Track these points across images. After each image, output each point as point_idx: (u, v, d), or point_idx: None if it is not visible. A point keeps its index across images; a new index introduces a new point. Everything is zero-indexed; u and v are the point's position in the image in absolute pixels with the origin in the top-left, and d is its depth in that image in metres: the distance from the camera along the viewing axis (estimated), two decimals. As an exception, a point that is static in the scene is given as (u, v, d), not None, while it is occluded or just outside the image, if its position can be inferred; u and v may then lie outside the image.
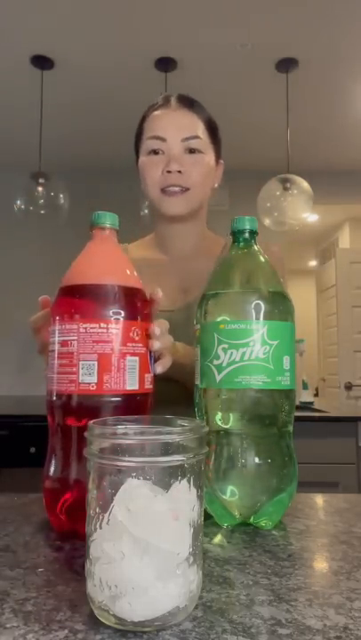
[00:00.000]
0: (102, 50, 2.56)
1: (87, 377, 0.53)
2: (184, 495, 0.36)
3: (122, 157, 3.39)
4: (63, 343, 0.54)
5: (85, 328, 0.54)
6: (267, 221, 2.81)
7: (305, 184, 2.74)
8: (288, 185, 2.74)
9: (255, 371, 0.56)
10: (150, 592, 0.34)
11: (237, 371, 0.56)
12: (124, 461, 0.35)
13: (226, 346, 0.57)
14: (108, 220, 0.61)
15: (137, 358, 0.56)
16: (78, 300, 0.56)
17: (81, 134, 3.39)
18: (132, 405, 0.55)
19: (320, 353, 5.37)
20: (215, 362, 0.57)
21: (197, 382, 0.61)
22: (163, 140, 0.94)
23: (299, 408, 2.66)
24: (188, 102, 0.99)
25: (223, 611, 0.37)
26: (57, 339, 0.55)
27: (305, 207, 2.76)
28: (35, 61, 2.63)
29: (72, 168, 3.40)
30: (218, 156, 1.02)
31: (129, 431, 0.40)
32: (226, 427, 0.58)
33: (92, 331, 0.53)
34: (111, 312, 0.55)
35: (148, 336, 0.59)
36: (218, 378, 0.57)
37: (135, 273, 0.61)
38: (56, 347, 0.55)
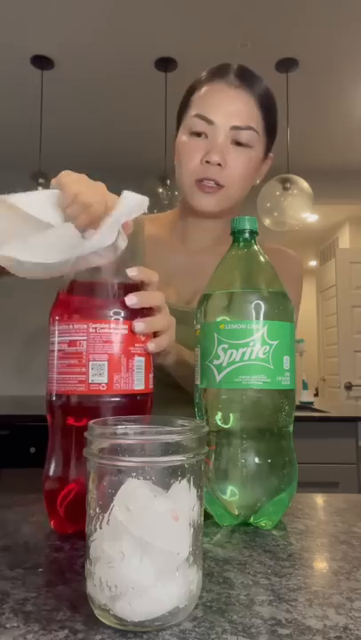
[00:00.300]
0: (102, 50, 2.56)
1: (98, 377, 0.53)
2: (184, 495, 0.36)
3: (122, 157, 3.40)
4: (70, 343, 0.54)
5: (95, 328, 0.53)
6: (267, 221, 2.81)
7: (305, 184, 2.74)
8: (288, 185, 2.74)
9: (255, 371, 0.56)
10: (150, 592, 0.34)
11: (237, 371, 0.56)
12: (124, 461, 0.35)
13: (226, 346, 0.57)
14: None
15: (143, 359, 0.56)
16: (85, 298, 0.56)
17: (81, 134, 3.39)
18: (137, 405, 0.55)
19: (320, 353, 5.37)
20: (215, 362, 0.58)
21: (197, 382, 0.61)
22: (210, 122, 0.82)
23: (299, 408, 2.66)
24: (249, 80, 0.85)
25: (223, 611, 0.37)
26: (62, 338, 0.55)
27: (305, 207, 2.76)
28: (35, 61, 2.64)
29: (72, 168, 3.40)
30: (268, 149, 0.91)
31: (129, 431, 0.40)
32: (226, 427, 0.58)
33: (102, 331, 0.53)
34: (112, 312, 0.54)
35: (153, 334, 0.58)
36: (218, 378, 0.57)
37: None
38: (61, 347, 0.55)
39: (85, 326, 0.53)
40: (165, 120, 2.58)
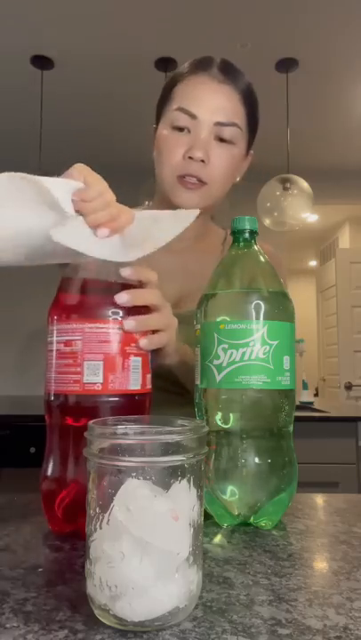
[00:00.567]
0: (102, 50, 2.56)
1: (93, 377, 0.53)
2: (184, 495, 0.36)
3: (122, 157, 3.40)
4: (66, 343, 0.54)
5: (90, 328, 0.53)
6: (267, 221, 2.81)
7: (305, 184, 2.75)
8: (288, 185, 2.74)
9: (255, 371, 0.56)
10: (150, 592, 0.34)
11: (237, 371, 0.56)
12: (124, 461, 0.35)
13: (226, 346, 0.57)
14: None
15: (140, 359, 0.56)
16: (81, 297, 0.56)
17: (81, 134, 3.39)
18: (133, 405, 0.55)
19: (320, 353, 5.37)
20: (215, 362, 0.57)
21: (197, 382, 0.61)
22: (193, 117, 0.80)
23: (299, 408, 2.66)
24: (232, 75, 0.82)
25: (223, 611, 0.37)
26: (59, 338, 0.55)
27: (305, 207, 2.76)
28: (35, 61, 2.64)
29: (72, 165, 3.40)
30: (249, 146, 0.89)
31: (129, 431, 0.40)
32: (226, 427, 0.58)
33: (97, 330, 0.53)
34: (107, 311, 0.54)
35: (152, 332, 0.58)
36: (218, 378, 0.57)
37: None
38: (58, 346, 0.55)
39: (80, 326, 0.53)
40: (165, 120, 2.58)
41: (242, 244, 0.63)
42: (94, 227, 0.55)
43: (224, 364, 0.57)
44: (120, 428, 0.40)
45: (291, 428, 0.61)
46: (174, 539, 0.35)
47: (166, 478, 0.35)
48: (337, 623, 0.36)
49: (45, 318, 0.57)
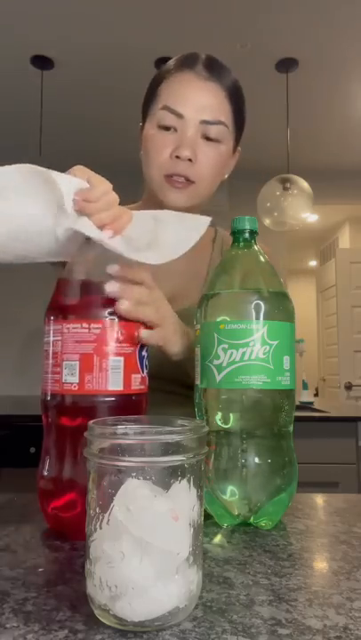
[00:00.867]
0: (102, 50, 2.56)
1: (70, 377, 0.54)
2: (184, 495, 0.36)
3: (122, 157, 3.39)
4: (54, 343, 0.55)
5: (68, 328, 0.54)
6: (267, 221, 2.81)
7: (305, 184, 2.75)
8: (288, 185, 2.74)
9: (255, 371, 0.56)
10: (150, 592, 0.34)
11: (237, 371, 0.56)
12: (124, 461, 0.35)
13: (226, 346, 0.57)
14: None
15: (122, 359, 0.54)
16: (66, 297, 0.57)
17: (81, 134, 3.39)
18: (116, 406, 0.54)
19: (320, 353, 5.37)
20: (215, 362, 0.57)
21: (197, 382, 0.61)
22: (179, 116, 0.79)
23: (299, 408, 2.66)
24: (217, 71, 0.82)
25: (223, 611, 0.37)
26: (47, 338, 0.56)
27: (305, 207, 2.76)
28: (35, 61, 2.64)
29: (72, 167, 3.40)
30: (237, 143, 0.88)
31: (129, 431, 0.40)
32: (226, 427, 0.58)
33: (74, 331, 0.54)
34: (95, 311, 0.55)
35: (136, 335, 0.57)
36: (218, 378, 0.57)
37: None
38: (47, 346, 0.56)
39: (60, 327, 0.54)
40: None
41: (242, 243, 0.63)
42: (98, 227, 0.55)
43: (224, 364, 0.57)
44: (120, 428, 0.40)
45: (291, 428, 0.61)
46: (174, 539, 0.35)
47: (166, 478, 0.35)
48: (337, 623, 0.36)
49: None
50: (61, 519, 0.53)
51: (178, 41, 2.48)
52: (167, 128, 0.81)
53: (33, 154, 2.93)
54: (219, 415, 0.59)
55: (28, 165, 0.54)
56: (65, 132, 3.28)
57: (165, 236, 0.60)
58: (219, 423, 0.59)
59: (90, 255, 0.57)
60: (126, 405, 0.55)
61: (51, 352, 0.55)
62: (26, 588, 0.41)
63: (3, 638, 0.33)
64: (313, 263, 6.44)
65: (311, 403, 2.92)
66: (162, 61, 2.61)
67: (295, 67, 2.66)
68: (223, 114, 0.82)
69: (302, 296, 5.62)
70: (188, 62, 0.83)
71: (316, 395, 4.88)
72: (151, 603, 0.34)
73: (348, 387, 4.44)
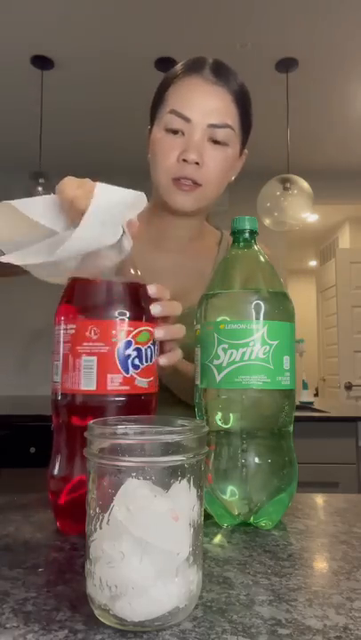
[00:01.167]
0: (102, 50, 2.56)
1: (55, 376, 0.56)
2: (184, 495, 0.36)
3: (122, 157, 3.39)
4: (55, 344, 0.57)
5: (56, 329, 0.56)
6: (267, 221, 2.81)
7: (305, 184, 2.74)
8: (288, 185, 2.74)
9: (255, 371, 0.56)
10: (150, 592, 0.34)
11: (237, 371, 0.56)
12: (124, 461, 0.35)
13: (226, 346, 0.57)
14: None
15: (94, 358, 0.54)
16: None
17: (81, 134, 3.39)
18: (90, 406, 0.54)
19: (320, 353, 5.37)
20: (215, 362, 0.58)
21: (197, 382, 0.61)
22: (186, 119, 0.80)
23: (299, 408, 2.66)
24: (224, 75, 0.83)
25: (223, 611, 0.37)
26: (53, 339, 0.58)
27: (305, 207, 2.76)
28: (35, 61, 2.64)
29: (72, 167, 3.40)
30: (243, 145, 0.89)
31: (129, 431, 0.40)
32: (226, 427, 0.58)
33: (57, 332, 0.56)
34: (74, 311, 0.55)
35: (111, 333, 0.55)
36: (218, 378, 0.57)
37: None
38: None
39: (56, 327, 0.56)
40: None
41: (242, 243, 0.63)
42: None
43: (224, 364, 0.57)
44: (120, 428, 0.40)
45: (291, 428, 0.61)
46: (174, 539, 0.35)
47: (166, 478, 0.35)
48: (337, 623, 0.36)
49: (46, 319, 0.58)
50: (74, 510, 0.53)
51: (178, 41, 2.49)
52: (175, 132, 0.82)
53: (33, 153, 2.94)
54: (219, 415, 0.59)
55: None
56: (65, 131, 3.28)
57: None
58: (219, 423, 0.59)
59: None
60: (100, 406, 0.54)
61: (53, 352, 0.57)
62: (26, 588, 0.41)
63: (3, 638, 0.33)
64: (313, 263, 6.44)
65: (311, 403, 2.92)
66: (162, 61, 2.62)
67: (295, 67, 2.66)
68: (230, 117, 0.83)
69: (302, 296, 5.62)
70: (195, 66, 0.83)
71: (316, 395, 4.88)
72: (151, 603, 0.34)
73: (348, 387, 4.44)
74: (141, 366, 0.55)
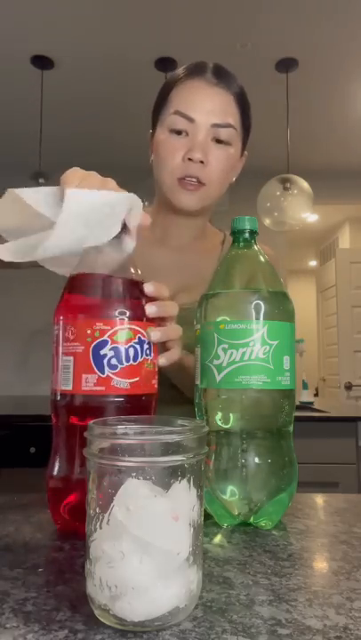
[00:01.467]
0: (102, 50, 2.56)
1: (51, 376, 0.57)
2: (184, 495, 0.36)
3: (122, 156, 3.39)
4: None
5: (54, 328, 0.57)
6: (267, 221, 2.81)
7: (305, 184, 2.74)
8: (288, 185, 2.74)
9: (255, 371, 0.56)
10: (150, 592, 0.34)
11: (237, 371, 0.56)
12: (124, 461, 0.35)
13: (226, 346, 0.57)
14: None
15: (71, 358, 0.53)
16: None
17: (81, 134, 3.39)
18: (70, 406, 0.54)
19: (320, 353, 5.37)
20: (215, 362, 0.57)
21: (197, 382, 0.61)
22: (190, 120, 0.82)
23: (299, 408, 2.66)
24: (225, 78, 0.86)
25: (223, 611, 0.37)
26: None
27: (305, 207, 2.76)
28: (35, 61, 2.64)
29: (72, 167, 3.41)
30: (244, 146, 0.92)
31: (129, 431, 0.40)
32: (226, 427, 0.58)
33: (53, 332, 0.57)
34: (60, 311, 0.56)
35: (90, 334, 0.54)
36: (218, 378, 0.57)
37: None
38: None
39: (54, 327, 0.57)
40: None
41: (242, 243, 0.63)
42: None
43: (224, 364, 0.57)
44: (120, 428, 0.40)
45: (291, 428, 0.61)
46: (174, 539, 0.35)
47: (166, 478, 0.35)
48: (337, 623, 0.36)
49: (46, 318, 0.58)
50: (73, 519, 0.53)
51: (178, 41, 2.48)
52: (179, 132, 0.83)
53: (33, 153, 2.94)
54: (219, 415, 0.59)
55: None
56: (65, 131, 3.28)
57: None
58: (219, 423, 0.59)
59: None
60: (76, 406, 0.54)
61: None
62: (26, 588, 0.41)
63: (3, 638, 0.33)
64: (313, 263, 6.44)
65: (311, 403, 2.92)
66: (162, 61, 2.62)
67: (295, 67, 2.66)
68: (232, 117, 0.85)
69: (302, 296, 5.62)
70: (197, 70, 0.86)
71: (316, 395, 4.88)
72: (151, 603, 0.34)
73: (349, 387, 4.44)
74: (120, 366, 0.53)
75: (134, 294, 0.56)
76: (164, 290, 0.60)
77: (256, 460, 0.57)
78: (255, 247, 0.63)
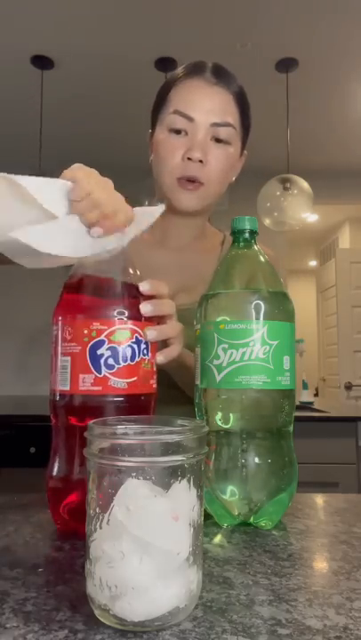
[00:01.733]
0: (102, 50, 2.56)
1: (50, 376, 0.57)
2: (184, 495, 0.36)
3: (122, 157, 3.39)
4: None
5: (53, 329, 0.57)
6: (267, 221, 2.81)
7: (305, 184, 2.74)
8: (288, 185, 2.74)
9: (255, 371, 0.56)
10: (150, 592, 0.34)
11: (237, 371, 0.56)
12: (124, 461, 0.35)
13: (226, 346, 0.57)
14: None
15: (68, 358, 0.54)
16: None
17: (81, 134, 3.39)
18: (64, 405, 0.54)
19: (320, 353, 5.37)
20: (215, 362, 0.57)
21: (197, 382, 0.61)
22: (190, 119, 0.82)
23: (299, 408, 2.66)
24: (225, 77, 0.85)
25: (223, 611, 0.37)
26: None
27: (305, 207, 2.76)
28: (35, 61, 2.64)
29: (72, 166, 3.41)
30: (243, 146, 0.91)
31: (129, 431, 0.40)
32: (226, 427, 0.58)
33: (52, 332, 0.57)
34: (58, 312, 0.56)
35: (87, 333, 0.53)
36: (218, 378, 0.57)
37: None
38: None
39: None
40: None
41: (242, 243, 0.63)
42: (89, 226, 0.55)
43: (224, 364, 0.57)
44: (120, 428, 0.40)
45: (291, 428, 0.61)
46: (174, 539, 0.35)
47: (166, 478, 0.35)
48: (337, 623, 0.36)
49: (46, 318, 0.58)
50: (73, 519, 0.53)
51: (178, 41, 2.48)
52: (178, 132, 0.83)
53: (33, 153, 2.93)
54: (219, 415, 0.59)
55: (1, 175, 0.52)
56: (65, 131, 3.28)
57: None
58: (219, 423, 0.59)
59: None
60: (69, 405, 0.54)
61: None
62: (26, 588, 0.41)
63: (3, 638, 0.33)
64: (313, 263, 6.44)
65: (311, 403, 2.92)
66: (162, 61, 2.62)
67: (295, 67, 2.66)
68: (231, 116, 0.85)
69: (302, 296, 5.62)
70: (196, 69, 0.85)
71: (316, 395, 4.88)
72: (151, 603, 0.34)
73: (349, 387, 4.44)
74: (118, 366, 0.53)
75: (131, 294, 0.56)
76: (162, 287, 0.59)
77: (256, 459, 0.57)
78: (255, 247, 0.63)
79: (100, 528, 0.35)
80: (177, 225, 0.92)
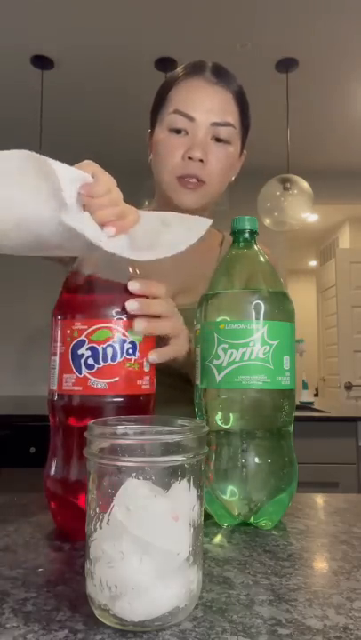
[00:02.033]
0: (102, 50, 2.56)
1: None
2: (184, 495, 0.36)
3: (122, 157, 3.39)
4: None
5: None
6: (267, 221, 2.81)
7: (305, 184, 2.74)
8: (288, 185, 2.74)
9: (255, 371, 0.56)
10: (150, 592, 0.34)
11: (237, 371, 0.56)
12: (124, 461, 0.35)
13: (226, 346, 0.57)
14: None
15: (57, 358, 0.54)
16: None
17: (81, 134, 3.39)
18: (57, 405, 0.54)
19: (320, 353, 5.37)
20: (215, 362, 0.57)
21: (197, 382, 0.61)
22: (190, 119, 0.83)
23: (299, 408, 2.66)
24: (225, 77, 0.86)
25: (223, 611, 0.37)
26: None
27: (305, 207, 2.76)
28: (35, 61, 2.64)
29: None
30: (243, 145, 0.92)
31: (129, 431, 0.40)
32: (226, 427, 0.58)
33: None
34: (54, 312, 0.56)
35: (73, 332, 0.53)
36: (218, 378, 0.57)
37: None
38: None
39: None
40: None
41: (242, 243, 0.63)
42: (100, 224, 0.53)
43: (224, 364, 0.57)
44: (120, 428, 0.40)
45: (291, 428, 0.61)
46: (174, 539, 0.35)
47: (166, 478, 0.35)
48: (337, 623, 0.36)
49: (46, 319, 0.58)
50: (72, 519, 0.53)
51: (178, 41, 2.48)
52: (178, 131, 0.83)
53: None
54: (219, 415, 0.59)
55: (25, 152, 0.49)
56: (65, 131, 3.28)
57: (166, 237, 0.59)
58: (219, 423, 0.59)
59: (95, 253, 0.55)
60: (60, 405, 0.54)
61: None
62: (26, 588, 0.41)
63: (3, 638, 0.33)
64: (313, 263, 6.44)
65: (311, 403, 2.92)
66: (162, 61, 2.62)
67: (295, 67, 2.66)
68: (231, 116, 0.85)
69: (302, 296, 5.62)
70: (196, 69, 0.86)
71: (316, 395, 4.88)
72: (151, 603, 0.34)
73: (349, 387, 4.44)
74: (97, 366, 0.52)
75: (116, 292, 0.55)
76: (156, 287, 0.58)
77: (256, 460, 0.57)
78: (255, 247, 0.63)
79: (100, 528, 0.35)
80: None
